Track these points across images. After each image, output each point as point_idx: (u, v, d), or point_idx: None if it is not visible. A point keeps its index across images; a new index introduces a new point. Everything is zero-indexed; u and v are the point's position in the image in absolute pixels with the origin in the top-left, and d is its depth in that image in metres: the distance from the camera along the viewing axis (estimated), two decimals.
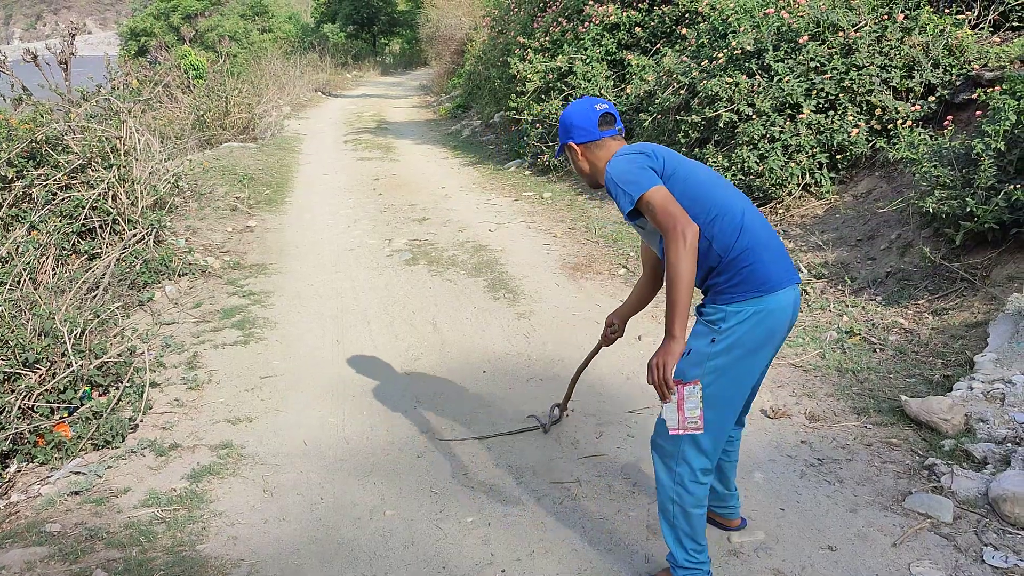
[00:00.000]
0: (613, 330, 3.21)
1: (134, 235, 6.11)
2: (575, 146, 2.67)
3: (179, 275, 6.12)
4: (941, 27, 6.36)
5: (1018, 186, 4.54)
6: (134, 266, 5.86)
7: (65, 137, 6.29)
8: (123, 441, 3.78)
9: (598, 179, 2.68)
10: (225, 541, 3.04)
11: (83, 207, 5.94)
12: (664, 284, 2.36)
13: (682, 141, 7.26)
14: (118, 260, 5.80)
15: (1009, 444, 3.35)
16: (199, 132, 12.37)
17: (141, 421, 3.97)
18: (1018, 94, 4.92)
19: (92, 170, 6.28)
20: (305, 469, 3.57)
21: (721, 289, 2.41)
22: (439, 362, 4.67)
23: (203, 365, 4.69)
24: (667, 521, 2.58)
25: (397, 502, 3.29)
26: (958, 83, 6.17)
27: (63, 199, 5.97)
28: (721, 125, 6.90)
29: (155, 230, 6.33)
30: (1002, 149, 4.78)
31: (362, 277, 6.28)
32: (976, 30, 6.56)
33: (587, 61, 9.67)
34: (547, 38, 10.47)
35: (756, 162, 6.53)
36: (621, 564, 2.86)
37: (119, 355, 4.26)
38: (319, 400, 4.24)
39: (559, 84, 9.89)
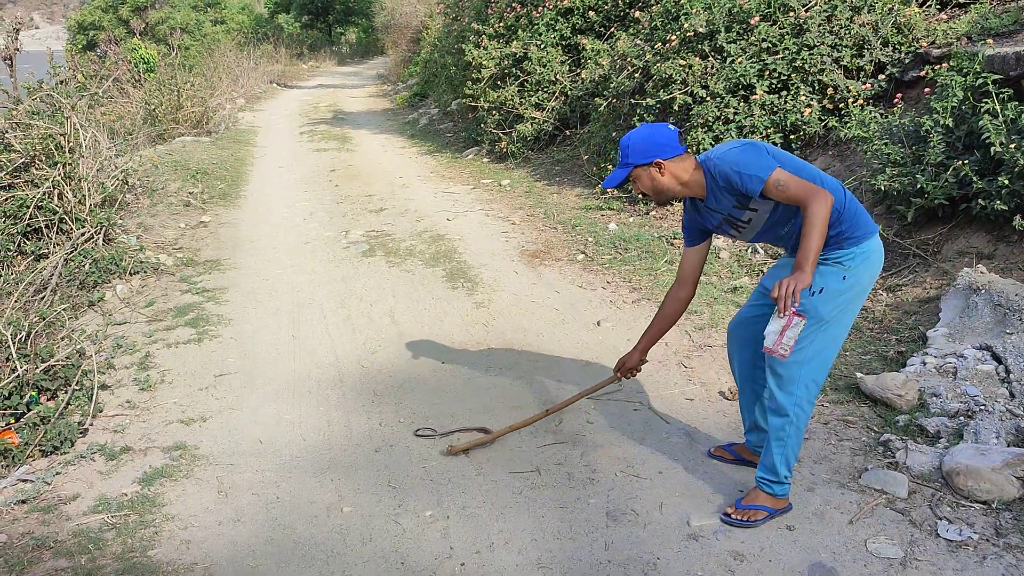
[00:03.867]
0: (636, 371, 3.34)
1: (82, 234, 5.97)
2: (664, 162, 2.82)
3: (130, 274, 5.98)
4: (889, 5, 6.40)
5: (966, 162, 4.59)
6: (83, 266, 5.71)
7: (7, 135, 6.12)
8: (72, 446, 3.68)
9: (676, 193, 2.90)
10: (178, 545, 2.97)
11: (27, 207, 5.79)
12: (800, 240, 2.58)
13: (637, 124, 7.24)
14: (66, 260, 5.66)
15: (961, 418, 3.39)
16: (151, 127, 12.11)
17: (91, 425, 3.88)
18: (964, 71, 4.97)
19: (36, 168, 6.12)
20: (261, 468, 3.50)
21: (846, 236, 2.74)
22: (397, 354, 4.62)
23: (155, 365, 4.59)
24: (779, 441, 2.90)
25: (355, 498, 3.25)
26: (907, 61, 6.23)
27: (6, 199, 5.81)
28: (676, 108, 6.90)
29: (104, 228, 6.18)
30: (950, 125, 4.83)
31: (318, 270, 6.19)
32: (923, 8, 6.62)
33: (542, 46, 9.63)
34: (501, 24, 10.39)
35: (711, 144, 6.53)
36: (581, 552, 2.84)
37: (67, 358, 4.15)
38: (275, 397, 4.17)
39: (514, 70, 9.85)
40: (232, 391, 4.25)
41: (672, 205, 6.87)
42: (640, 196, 2.96)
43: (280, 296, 5.66)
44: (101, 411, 4.02)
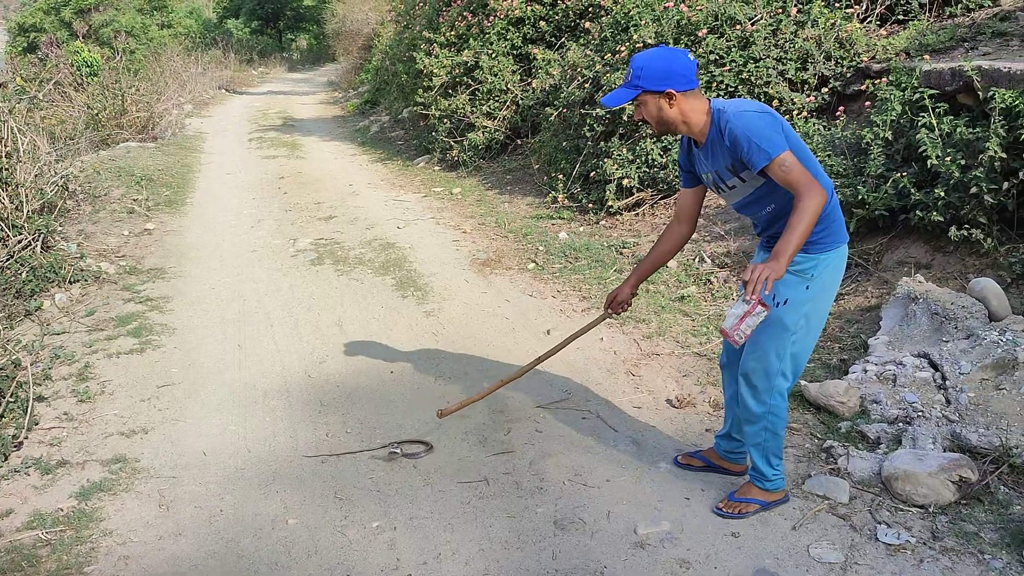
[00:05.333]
0: (626, 305, 3.30)
1: (19, 241, 5.80)
2: (676, 94, 2.70)
3: (70, 282, 5.83)
4: (832, 20, 6.55)
5: (904, 174, 4.70)
6: (19, 274, 5.54)
7: None
8: (6, 460, 3.56)
9: (677, 129, 2.80)
10: (116, 561, 2.89)
11: None
12: (790, 224, 2.51)
13: (587, 135, 7.30)
14: (1, 268, 5.49)
15: (900, 424, 3.47)
16: (93, 132, 11.85)
17: (26, 438, 3.76)
18: (903, 85, 5.10)
19: None
20: (204, 480, 3.43)
21: (815, 240, 2.72)
22: (345, 364, 4.58)
23: (95, 376, 4.47)
24: (758, 446, 2.98)
25: (300, 510, 3.20)
26: (849, 75, 6.37)
27: None
28: (625, 118, 6.96)
29: (43, 235, 6.02)
30: (889, 138, 4.95)
31: (265, 279, 6.11)
32: (864, 24, 6.79)
33: (493, 55, 9.65)
34: (452, 32, 10.40)
35: (660, 154, 6.61)
36: (528, 561, 2.84)
37: (1, 369, 4.03)
38: (220, 408, 4.10)
39: (465, 79, 9.85)
40: (175, 402, 4.17)
41: (622, 214, 6.93)
42: (639, 121, 2.90)
43: (226, 305, 5.56)
44: (37, 424, 3.90)
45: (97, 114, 12.17)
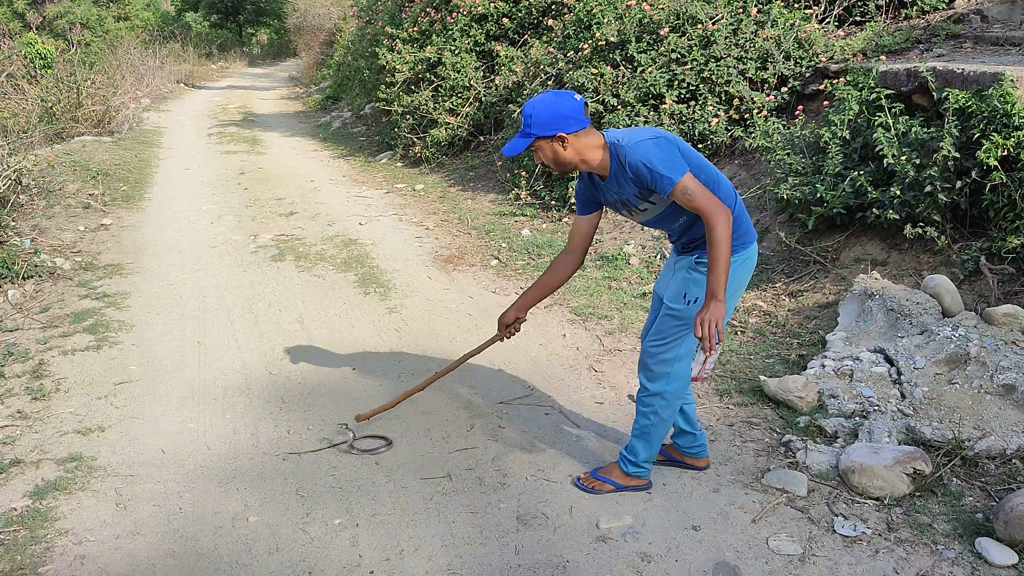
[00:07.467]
0: (513, 329, 3.27)
1: None
2: (567, 136, 2.73)
3: (24, 278, 5.71)
4: (791, 21, 6.65)
5: (861, 172, 4.79)
6: None
7: None
8: None
9: (577, 167, 2.85)
10: (71, 561, 2.84)
11: None
12: (712, 257, 2.60)
13: None
14: None
15: (857, 418, 3.53)
16: (47, 125, 11.60)
17: None
18: (860, 85, 5.19)
19: None
20: (163, 479, 3.38)
21: None
22: (307, 361, 4.54)
23: (50, 373, 4.39)
24: (643, 431, 3.07)
25: (261, 508, 3.17)
26: (807, 74, 6.47)
27: None
28: (587, 116, 6.98)
29: None
30: (847, 137, 5.04)
31: (225, 275, 6.03)
32: (822, 24, 6.90)
33: (456, 52, 9.63)
34: (415, 28, 10.36)
35: None
36: (492, 556, 2.84)
37: None
38: (179, 405, 4.04)
39: (428, 75, 9.82)
40: (133, 399, 4.10)
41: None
42: (540, 164, 2.93)
43: (185, 301, 5.49)
44: None
45: (51, 107, 11.92)
